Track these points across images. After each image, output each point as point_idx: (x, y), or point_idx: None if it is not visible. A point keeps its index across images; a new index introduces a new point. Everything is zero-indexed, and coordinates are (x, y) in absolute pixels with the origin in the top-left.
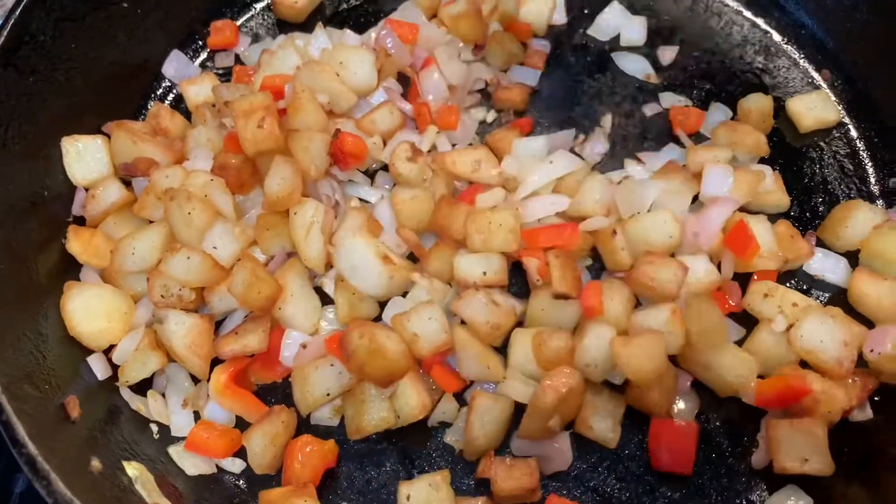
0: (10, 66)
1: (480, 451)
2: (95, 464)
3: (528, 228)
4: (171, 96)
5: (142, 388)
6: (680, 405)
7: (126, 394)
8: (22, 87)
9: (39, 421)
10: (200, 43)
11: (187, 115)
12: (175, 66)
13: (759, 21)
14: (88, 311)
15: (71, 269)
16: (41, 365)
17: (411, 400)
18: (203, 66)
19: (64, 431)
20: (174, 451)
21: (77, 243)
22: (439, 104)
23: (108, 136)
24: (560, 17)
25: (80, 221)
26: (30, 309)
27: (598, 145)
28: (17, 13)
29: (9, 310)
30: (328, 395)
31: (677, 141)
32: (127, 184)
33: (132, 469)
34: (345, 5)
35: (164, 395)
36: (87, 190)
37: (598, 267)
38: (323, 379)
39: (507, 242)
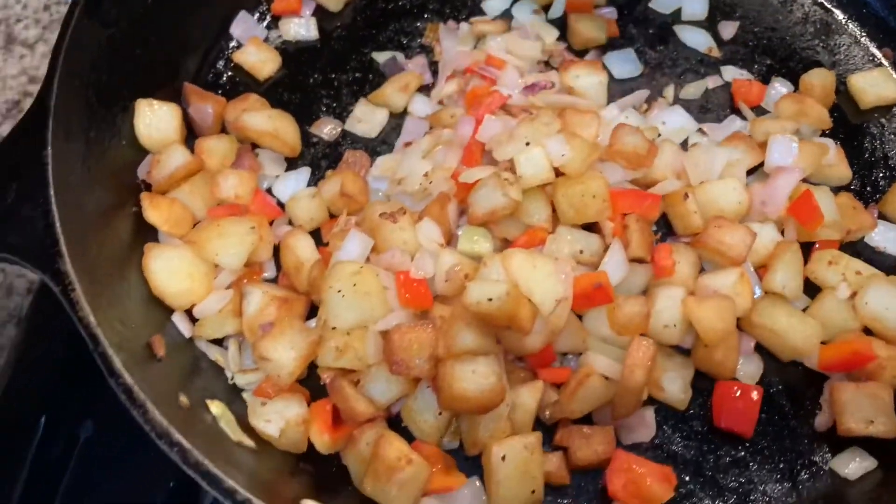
0: (95, 17)
1: (567, 420)
2: (183, 399)
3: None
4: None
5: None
6: (744, 368)
7: (203, 345)
8: (104, 40)
9: (131, 356)
10: (266, 7)
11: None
12: (242, 27)
13: None
14: (171, 272)
15: (144, 229)
16: (128, 314)
17: (528, 407)
18: (268, 27)
19: (152, 368)
20: (247, 396)
21: (155, 212)
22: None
23: (179, 103)
24: None
25: (147, 188)
26: (113, 268)
27: (662, 114)
28: None
29: (92, 265)
30: (440, 413)
31: (738, 113)
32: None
33: (215, 407)
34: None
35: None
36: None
37: (661, 233)
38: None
39: (601, 211)
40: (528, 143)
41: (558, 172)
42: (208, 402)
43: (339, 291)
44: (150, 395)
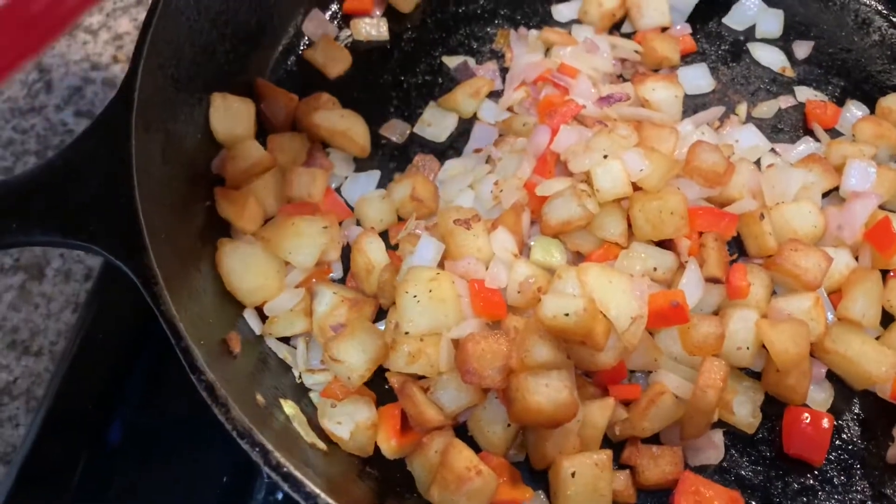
0: (177, 9)
1: (635, 438)
2: (259, 398)
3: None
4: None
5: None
6: (815, 394)
7: (272, 343)
8: (185, 32)
9: (209, 352)
10: (338, 6)
11: None
12: (314, 25)
13: None
14: (244, 268)
15: (216, 224)
16: (203, 309)
17: (598, 424)
18: (339, 26)
19: (228, 365)
20: (314, 396)
21: (229, 207)
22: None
23: (253, 98)
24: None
25: (219, 181)
26: (187, 261)
27: (735, 132)
28: None
29: (170, 258)
30: (508, 425)
31: (811, 134)
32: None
33: (288, 407)
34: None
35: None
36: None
37: (733, 253)
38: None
39: (679, 229)
40: (605, 156)
41: (635, 187)
42: (282, 401)
43: (415, 296)
44: (231, 393)
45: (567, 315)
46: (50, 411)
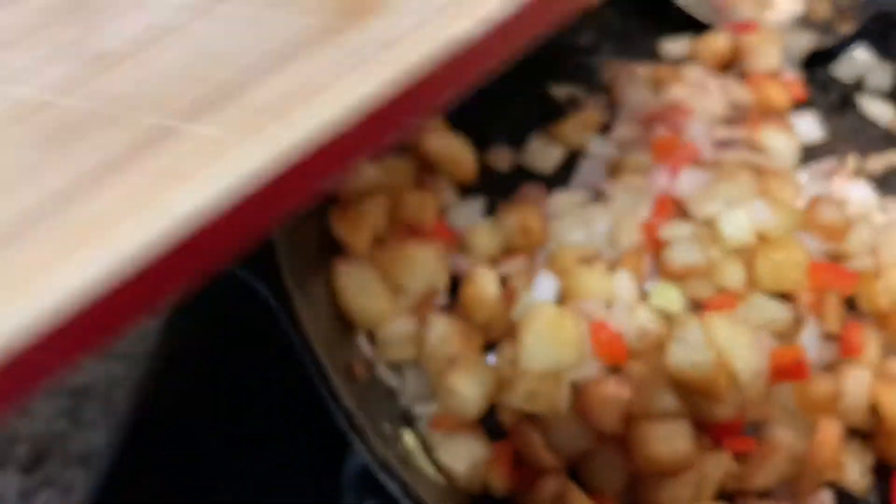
0: None
1: (748, 493)
2: (387, 426)
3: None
4: None
5: None
6: None
7: (381, 370)
8: None
9: (338, 378)
10: None
11: None
12: None
13: None
14: (360, 289)
15: (328, 243)
16: (324, 333)
17: (713, 476)
18: None
19: (353, 391)
20: (422, 427)
21: (342, 226)
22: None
23: None
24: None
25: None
26: (306, 282)
27: (845, 186)
28: None
29: (295, 280)
30: (623, 472)
31: None
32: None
33: (410, 438)
34: None
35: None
36: None
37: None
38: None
39: (799, 283)
40: (729, 203)
41: (758, 237)
42: (402, 430)
43: (538, 333)
44: (365, 420)
45: (694, 365)
46: (134, 416)
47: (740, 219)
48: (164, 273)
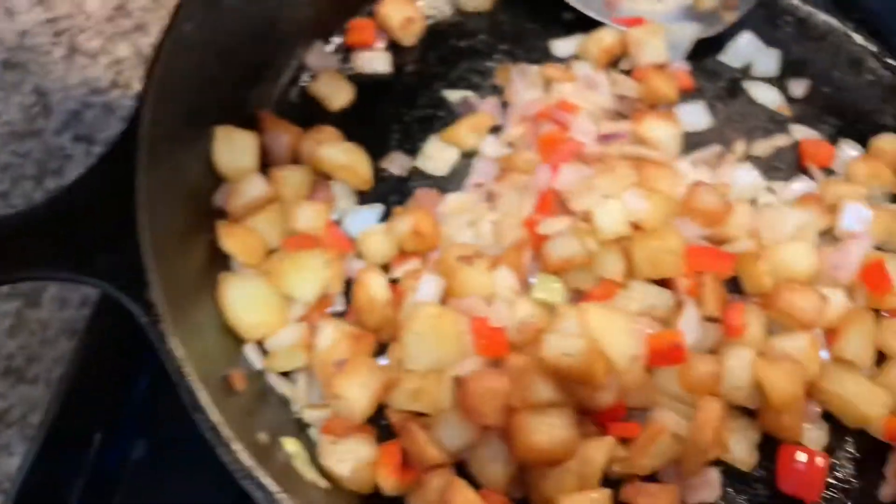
0: (184, 42)
1: (633, 476)
2: (262, 436)
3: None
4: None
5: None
6: (810, 433)
7: (272, 378)
8: (192, 65)
9: (212, 390)
10: (340, 39)
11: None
12: (317, 57)
13: (890, 61)
14: (246, 302)
15: (217, 258)
16: (206, 345)
17: (597, 462)
18: (342, 59)
19: (230, 403)
20: (313, 433)
21: (231, 241)
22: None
23: (257, 130)
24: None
25: (221, 214)
26: (190, 296)
27: (731, 170)
28: None
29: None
30: (508, 463)
31: (806, 173)
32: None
33: (290, 445)
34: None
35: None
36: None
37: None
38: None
39: (677, 268)
40: (605, 196)
41: (635, 226)
42: (283, 439)
43: (419, 334)
44: (234, 433)
45: (568, 355)
46: (46, 439)
47: (615, 210)
48: None
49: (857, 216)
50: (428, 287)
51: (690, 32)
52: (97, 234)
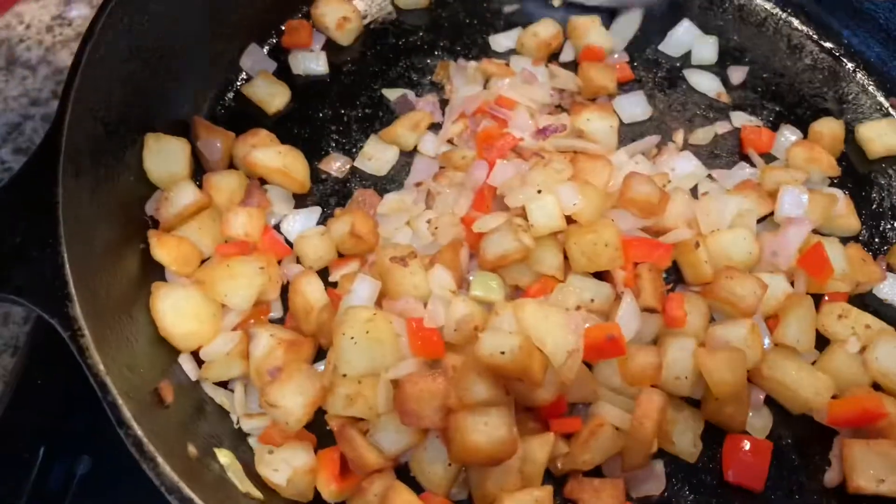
0: (107, 50)
1: (577, 472)
2: (192, 450)
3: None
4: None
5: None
6: (753, 421)
7: (209, 388)
8: (115, 73)
9: (139, 404)
10: (276, 40)
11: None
12: (252, 59)
13: (828, 45)
14: (179, 312)
15: (151, 266)
16: (135, 358)
17: (538, 460)
18: (278, 60)
19: (160, 416)
20: (253, 442)
21: (163, 250)
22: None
23: (188, 138)
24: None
25: (154, 223)
26: (119, 308)
27: (672, 160)
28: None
29: (100, 306)
30: (449, 465)
31: (747, 159)
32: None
33: (223, 456)
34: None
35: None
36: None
37: (671, 281)
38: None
39: (613, 260)
40: (539, 191)
41: (570, 220)
42: (216, 450)
43: (352, 338)
44: (160, 446)
45: (503, 353)
46: None
47: (549, 205)
48: None
49: (794, 202)
50: (362, 290)
51: (630, 23)
52: (16, 249)
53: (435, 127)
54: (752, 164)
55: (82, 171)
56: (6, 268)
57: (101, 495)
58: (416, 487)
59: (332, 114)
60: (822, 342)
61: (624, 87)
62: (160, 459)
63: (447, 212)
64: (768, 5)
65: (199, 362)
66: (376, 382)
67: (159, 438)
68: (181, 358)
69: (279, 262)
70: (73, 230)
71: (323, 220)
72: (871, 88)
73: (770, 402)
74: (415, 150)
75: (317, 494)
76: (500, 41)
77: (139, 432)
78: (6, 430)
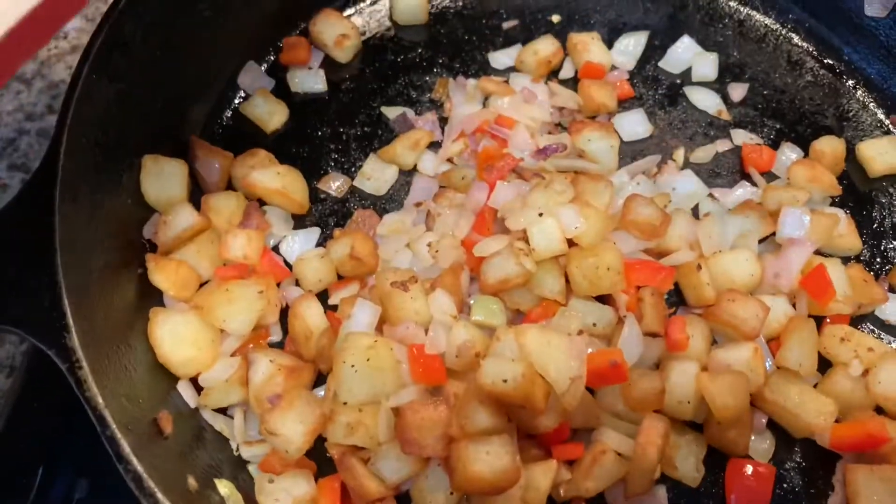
0: (103, 72)
1: (580, 499)
2: (192, 482)
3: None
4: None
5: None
6: (756, 445)
7: (208, 415)
8: (112, 95)
9: (138, 436)
10: (274, 57)
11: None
12: (250, 77)
13: (828, 61)
14: (177, 338)
15: (149, 291)
16: (134, 387)
17: (541, 487)
18: (276, 78)
19: (159, 447)
20: (253, 469)
21: (161, 275)
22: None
23: (185, 158)
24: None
25: (152, 247)
26: (117, 335)
27: (672, 179)
28: (113, 18)
29: (98, 335)
30: (451, 493)
31: (748, 177)
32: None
33: (223, 487)
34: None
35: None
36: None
37: (672, 303)
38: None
39: (615, 284)
40: (541, 214)
41: (571, 243)
42: (216, 481)
43: (353, 366)
44: (160, 481)
45: (506, 381)
46: None
47: (550, 228)
48: None
49: (796, 223)
50: (363, 315)
51: (631, 41)
52: (12, 278)
53: (434, 146)
54: (753, 183)
55: (79, 196)
56: (3, 297)
57: None
58: None
59: (330, 132)
60: (824, 364)
61: (624, 104)
62: (160, 496)
63: (447, 234)
64: (768, 21)
65: (198, 389)
66: (377, 410)
67: (159, 472)
68: (180, 385)
69: (278, 285)
70: (70, 258)
71: (322, 241)
72: (871, 105)
73: (773, 425)
74: (414, 170)
75: None
76: (500, 58)
77: (139, 468)
78: (3, 452)
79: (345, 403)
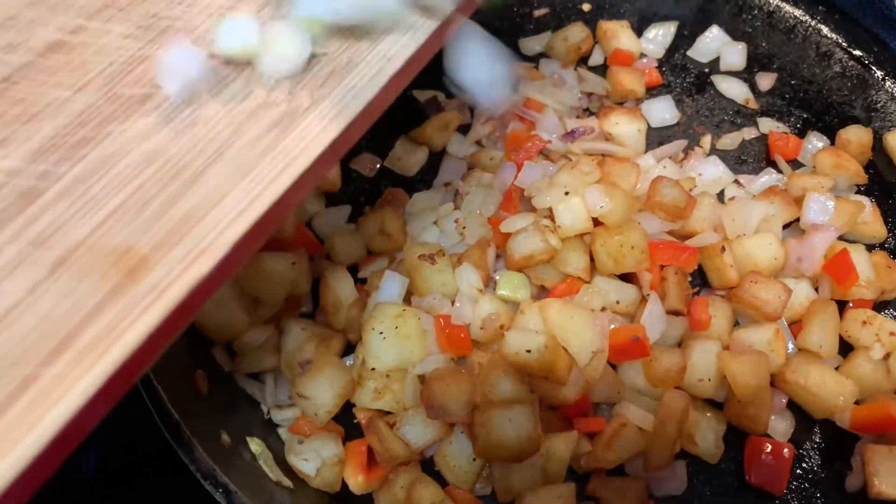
0: None
1: (600, 470)
2: (225, 437)
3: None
4: None
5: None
6: (776, 424)
7: (241, 380)
8: None
9: (176, 392)
10: None
11: None
12: None
13: (857, 53)
14: (213, 304)
15: None
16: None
17: (562, 457)
18: None
19: (196, 404)
20: (283, 432)
21: None
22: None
23: None
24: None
25: None
26: None
27: (698, 164)
28: None
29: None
30: (474, 460)
31: (774, 165)
32: None
33: (255, 445)
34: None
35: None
36: None
37: (696, 285)
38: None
39: (640, 262)
40: (567, 193)
41: (597, 222)
42: (248, 439)
43: (381, 333)
44: (196, 433)
45: (529, 351)
46: None
47: (576, 207)
48: None
49: (820, 208)
50: (391, 286)
51: (660, 29)
52: None
53: (464, 128)
54: (779, 171)
55: None
56: None
57: (135, 482)
58: (441, 481)
59: None
60: (845, 348)
61: (652, 91)
62: (196, 444)
63: (475, 212)
64: (797, 12)
65: (232, 354)
66: (404, 377)
67: (195, 425)
68: (215, 349)
69: (311, 258)
70: None
71: (353, 218)
72: None
73: (793, 406)
74: (443, 151)
75: (344, 486)
76: (530, 45)
77: (176, 418)
78: None
79: (373, 369)
